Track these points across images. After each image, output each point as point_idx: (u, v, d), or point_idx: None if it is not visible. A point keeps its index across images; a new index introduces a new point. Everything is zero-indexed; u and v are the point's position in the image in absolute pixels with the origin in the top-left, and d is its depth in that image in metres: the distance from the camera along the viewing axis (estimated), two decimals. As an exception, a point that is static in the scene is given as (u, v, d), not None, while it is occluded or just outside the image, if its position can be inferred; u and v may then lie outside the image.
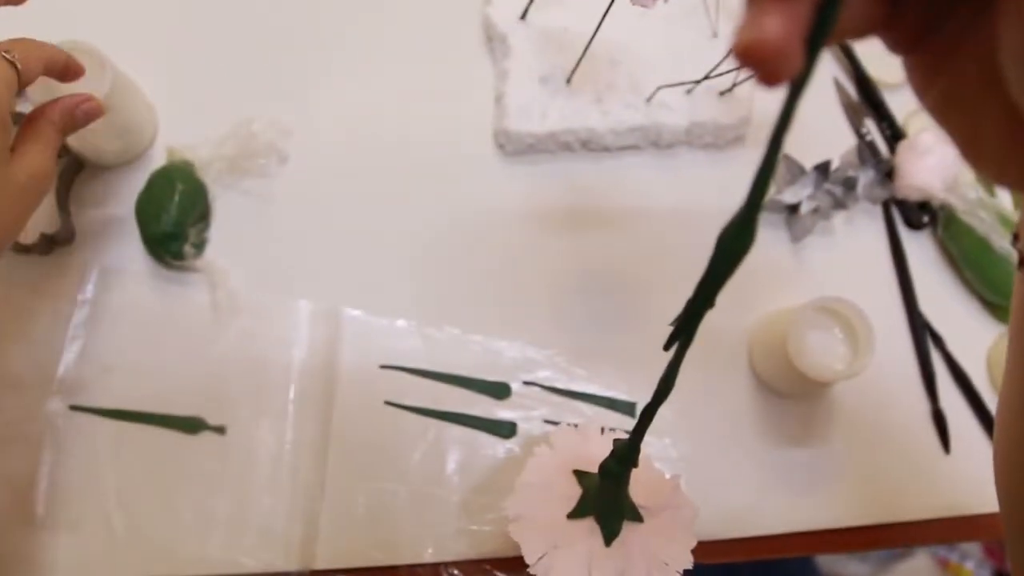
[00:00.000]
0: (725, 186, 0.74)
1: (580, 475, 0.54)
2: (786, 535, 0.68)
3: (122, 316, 0.66)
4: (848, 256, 0.78)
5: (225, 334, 0.67)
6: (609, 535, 0.52)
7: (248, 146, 0.70)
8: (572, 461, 0.55)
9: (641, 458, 0.48)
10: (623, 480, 0.50)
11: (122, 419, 0.64)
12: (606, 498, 0.52)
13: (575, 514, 0.52)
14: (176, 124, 0.72)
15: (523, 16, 0.75)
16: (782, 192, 0.75)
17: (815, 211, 0.75)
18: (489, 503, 0.64)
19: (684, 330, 0.34)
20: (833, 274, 0.76)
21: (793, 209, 0.75)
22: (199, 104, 0.73)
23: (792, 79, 0.23)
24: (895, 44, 0.29)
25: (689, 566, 0.52)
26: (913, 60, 0.29)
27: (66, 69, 0.56)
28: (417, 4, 0.79)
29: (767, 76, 0.22)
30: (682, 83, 0.73)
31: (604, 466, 0.49)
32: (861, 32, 0.27)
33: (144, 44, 0.73)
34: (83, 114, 0.56)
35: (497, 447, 0.66)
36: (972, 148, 0.29)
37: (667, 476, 0.57)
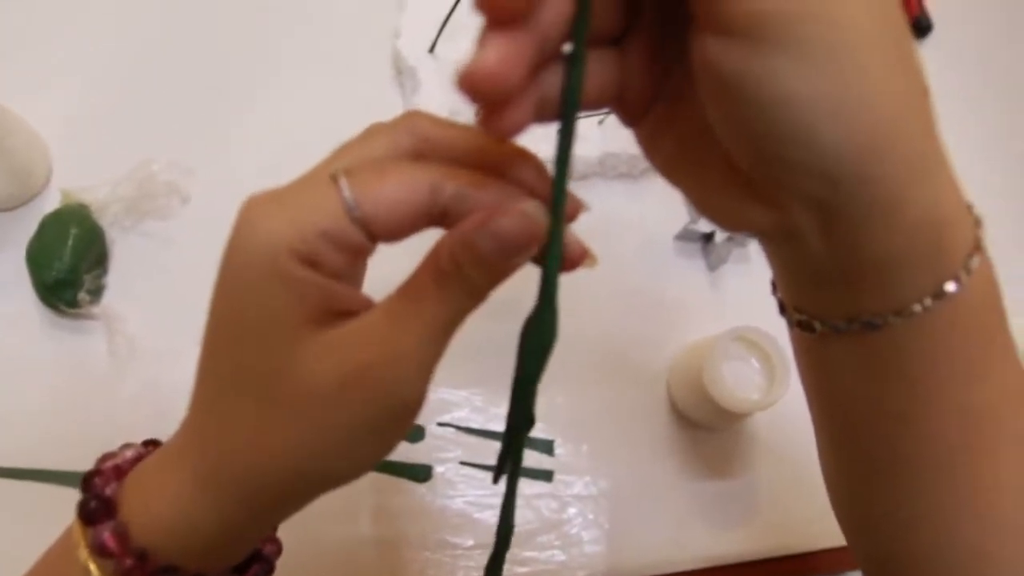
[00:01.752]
0: (643, 215, 0.74)
1: None
2: (708, 569, 0.67)
3: (12, 368, 0.63)
4: (765, 283, 0.77)
5: (126, 383, 0.64)
6: None
7: (147, 187, 0.67)
8: None
9: None
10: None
11: (13, 477, 0.60)
12: None
13: None
14: (71, 165, 0.69)
15: (431, 49, 0.74)
16: (697, 221, 0.75)
17: (730, 238, 0.75)
18: (406, 550, 0.62)
19: (510, 453, 0.32)
20: (751, 302, 0.75)
21: (708, 237, 0.75)
22: (95, 145, 0.70)
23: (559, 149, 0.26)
24: (626, 116, 0.31)
25: None
26: (641, 129, 0.32)
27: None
28: (325, 36, 0.78)
29: (483, 103, 0.24)
30: (593, 114, 0.72)
31: None
32: (597, 104, 0.29)
33: (36, 83, 0.70)
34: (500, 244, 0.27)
35: (414, 491, 0.64)
36: (704, 200, 0.31)
37: None
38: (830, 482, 0.43)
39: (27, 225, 0.64)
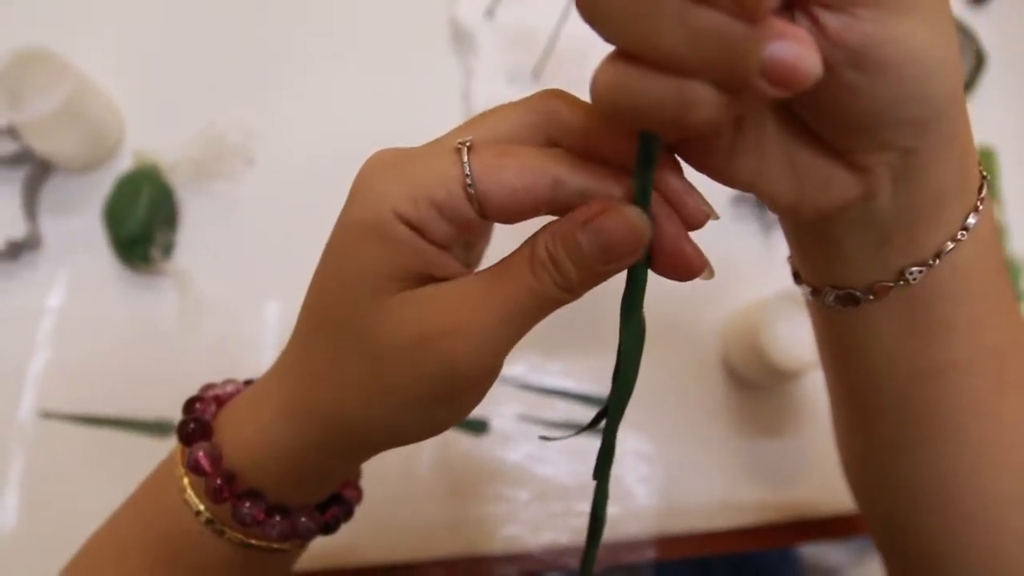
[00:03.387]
0: (697, 179, 0.74)
1: None
2: (762, 527, 0.68)
3: (91, 321, 0.66)
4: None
5: (194, 337, 0.66)
6: None
7: (214, 149, 0.70)
8: None
9: None
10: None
11: (92, 424, 0.63)
12: None
13: None
14: (143, 128, 0.71)
15: (489, 14, 0.75)
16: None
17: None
18: (463, 502, 0.64)
19: (607, 448, 0.34)
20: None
21: (763, 201, 0.75)
22: (166, 107, 0.72)
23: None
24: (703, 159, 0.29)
25: None
26: (716, 162, 0.29)
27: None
28: (382, 5, 0.79)
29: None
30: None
31: None
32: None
33: (109, 48, 0.72)
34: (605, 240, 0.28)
35: (470, 445, 0.66)
36: (787, 193, 0.30)
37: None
38: (848, 449, 0.45)
39: (103, 186, 0.67)
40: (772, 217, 0.75)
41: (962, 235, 0.31)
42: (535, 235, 0.29)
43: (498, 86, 0.73)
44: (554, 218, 0.29)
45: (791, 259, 0.37)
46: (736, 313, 0.71)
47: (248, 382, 0.39)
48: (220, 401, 0.37)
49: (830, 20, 0.24)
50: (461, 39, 0.77)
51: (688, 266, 0.29)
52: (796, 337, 0.66)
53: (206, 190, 0.70)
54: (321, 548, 0.62)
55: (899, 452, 0.39)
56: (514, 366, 0.68)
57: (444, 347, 0.29)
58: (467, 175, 0.27)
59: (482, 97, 0.73)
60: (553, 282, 0.28)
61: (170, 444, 0.62)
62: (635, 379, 0.31)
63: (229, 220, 0.70)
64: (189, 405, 0.37)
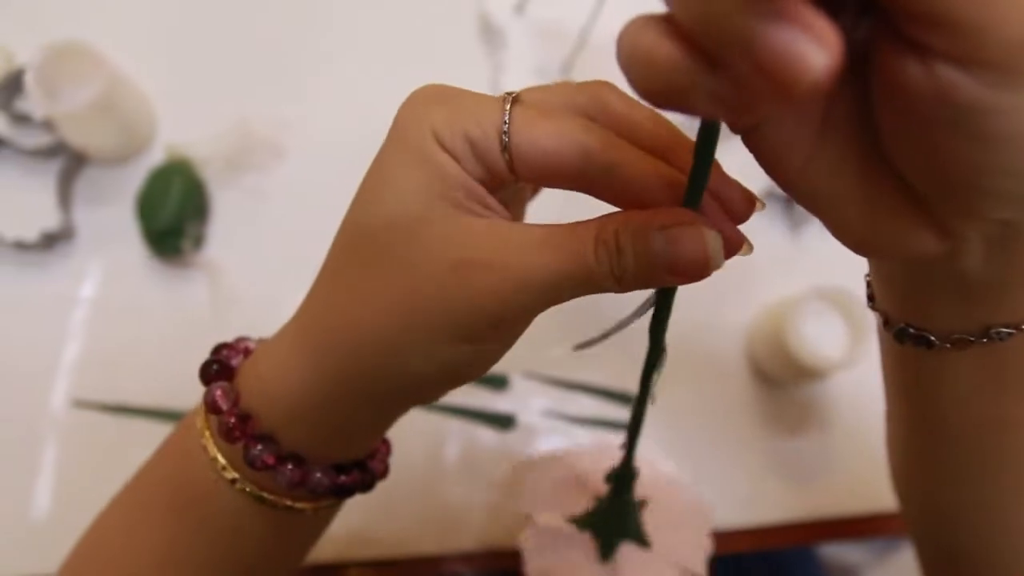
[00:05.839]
0: (731, 169, 0.74)
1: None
2: (785, 525, 0.68)
3: (123, 311, 0.67)
4: (846, 245, 0.78)
5: (225, 328, 0.67)
6: (605, 550, 0.51)
7: (245, 142, 0.70)
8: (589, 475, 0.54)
9: (663, 482, 0.48)
10: (625, 495, 0.48)
11: (124, 414, 0.64)
12: (608, 511, 0.51)
13: (579, 522, 0.52)
14: (175, 121, 0.72)
15: (519, 8, 0.75)
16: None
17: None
18: (488, 496, 0.65)
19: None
20: (831, 263, 0.75)
21: (790, 199, 0.75)
22: (197, 101, 0.73)
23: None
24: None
25: None
26: (773, 136, 0.26)
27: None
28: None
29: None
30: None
31: (609, 474, 0.48)
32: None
33: (142, 43, 0.73)
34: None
35: (496, 440, 0.67)
36: (850, 222, 0.27)
37: (692, 499, 0.56)
38: (904, 477, 0.44)
39: (136, 178, 0.68)
40: (799, 215, 0.75)
41: None
42: (605, 217, 0.28)
43: (528, 80, 0.73)
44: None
45: (869, 280, 0.35)
46: (763, 311, 0.71)
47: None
48: (248, 353, 0.36)
49: (946, 72, 0.20)
50: (490, 33, 0.77)
51: (730, 246, 0.28)
52: (822, 336, 0.66)
53: (236, 183, 0.71)
54: (346, 539, 0.63)
55: (962, 485, 0.38)
56: (541, 361, 0.69)
57: (481, 279, 0.28)
58: (505, 122, 0.28)
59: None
60: (610, 266, 0.27)
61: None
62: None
63: (259, 212, 0.70)
64: (217, 349, 0.37)
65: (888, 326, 0.33)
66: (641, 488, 0.50)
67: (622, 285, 0.28)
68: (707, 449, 0.69)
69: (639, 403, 0.37)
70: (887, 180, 0.25)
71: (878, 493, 0.70)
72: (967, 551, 0.40)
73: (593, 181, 0.28)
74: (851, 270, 0.73)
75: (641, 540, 0.52)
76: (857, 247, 0.27)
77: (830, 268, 0.74)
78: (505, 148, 0.28)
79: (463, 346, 0.30)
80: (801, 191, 0.27)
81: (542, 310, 0.29)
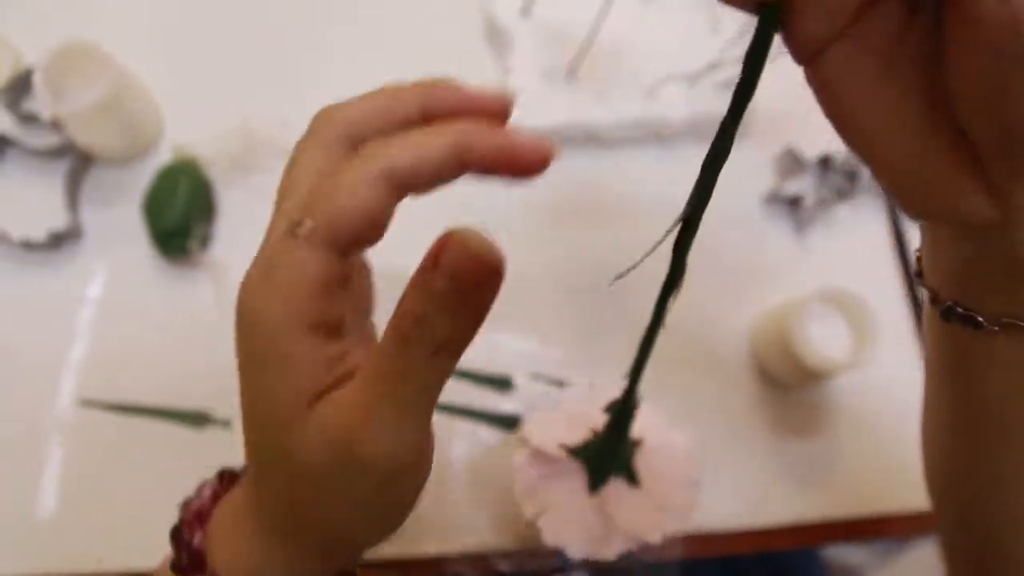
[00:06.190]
0: (730, 177, 0.73)
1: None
2: (790, 527, 0.68)
3: (129, 311, 0.67)
4: (851, 247, 0.78)
5: (231, 328, 0.67)
6: (595, 482, 0.52)
7: (250, 142, 0.70)
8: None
9: (656, 426, 0.49)
10: (623, 428, 0.49)
11: (130, 414, 0.64)
12: (603, 444, 0.51)
13: (574, 451, 0.53)
14: (182, 121, 0.73)
15: (525, 11, 0.75)
16: (783, 184, 0.75)
17: (820, 201, 0.75)
18: (492, 497, 0.65)
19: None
20: (836, 265, 0.76)
21: (795, 201, 0.75)
22: (203, 101, 0.73)
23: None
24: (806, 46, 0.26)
25: (656, 539, 0.52)
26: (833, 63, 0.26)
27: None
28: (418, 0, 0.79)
29: None
30: (684, 75, 0.73)
31: (609, 405, 0.48)
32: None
33: (148, 43, 0.73)
34: None
35: (501, 441, 0.67)
36: (905, 177, 0.27)
37: (683, 449, 0.57)
38: (941, 469, 0.43)
39: (143, 178, 0.68)
40: (804, 216, 0.75)
41: None
42: (394, 316, 0.26)
43: (534, 83, 0.73)
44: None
45: (919, 254, 0.34)
46: (768, 313, 0.71)
47: (221, 475, 0.37)
48: (203, 517, 0.34)
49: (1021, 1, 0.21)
50: (497, 36, 0.77)
51: (529, 163, 0.28)
52: (827, 338, 0.66)
53: (242, 183, 0.71)
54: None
55: (1005, 481, 0.37)
56: (544, 364, 0.69)
57: (355, 448, 0.27)
58: (318, 251, 0.26)
59: (518, 94, 0.73)
60: (428, 350, 0.26)
61: (206, 435, 0.63)
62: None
63: (265, 212, 0.70)
64: (176, 533, 0.34)
65: (936, 303, 0.33)
66: (638, 431, 0.51)
67: (455, 346, 0.26)
68: (711, 451, 0.69)
69: (651, 328, 0.37)
70: (945, 134, 0.25)
71: (882, 495, 0.70)
72: (1006, 546, 0.39)
73: (425, 186, 0.28)
74: (856, 272, 0.73)
75: (631, 477, 0.53)
76: (905, 201, 0.27)
77: (835, 270, 0.74)
78: (340, 257, 0.27)
79: (384, 511, 0.31)
80: (856, 130, 0.26)
81: (424, 422, 0.29)
